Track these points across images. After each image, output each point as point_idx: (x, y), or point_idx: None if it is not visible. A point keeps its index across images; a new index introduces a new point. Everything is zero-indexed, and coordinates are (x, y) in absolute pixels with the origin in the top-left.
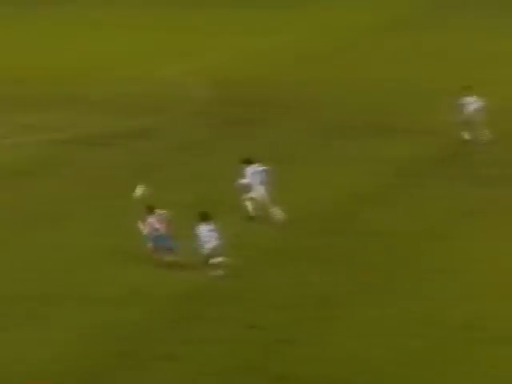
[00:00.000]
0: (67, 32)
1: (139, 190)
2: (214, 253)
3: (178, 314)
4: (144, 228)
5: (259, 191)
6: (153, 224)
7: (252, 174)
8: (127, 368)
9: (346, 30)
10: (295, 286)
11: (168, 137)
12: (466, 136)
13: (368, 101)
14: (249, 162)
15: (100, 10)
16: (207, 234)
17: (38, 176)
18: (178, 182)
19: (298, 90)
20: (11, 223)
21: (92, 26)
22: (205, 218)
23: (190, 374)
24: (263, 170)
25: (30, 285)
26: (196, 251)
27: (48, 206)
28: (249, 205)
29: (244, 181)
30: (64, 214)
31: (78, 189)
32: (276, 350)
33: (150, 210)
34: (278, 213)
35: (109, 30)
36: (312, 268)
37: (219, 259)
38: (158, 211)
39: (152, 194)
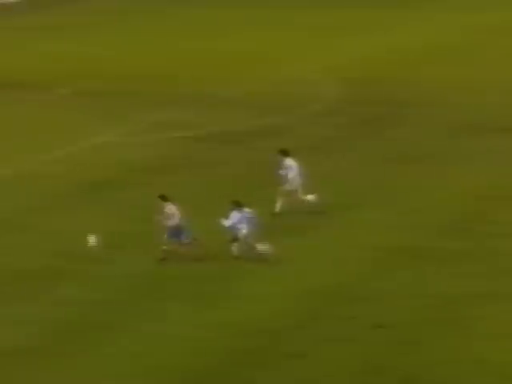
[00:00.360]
0: (196, 31)
1: (92, 239)
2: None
3: (306, 312)
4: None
5: (294, 182)
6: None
7: (289, 166)
8: (254, 365)
9: (468, 30)
10: (422, 287)
11: (297, 135)
12: None
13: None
14: (286, 153)
15: (228, 9)
16: (238, 221)
17: (168, 173)
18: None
19: (425, 89)
20: (139, 220)
21: (220, 25)
22: (237, 205)
23: (317, 374)
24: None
25: None
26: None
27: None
28: (280, 201)
29: (282, 172)
30: (194, 211)
31: (210, 186)
32: (402, 350)
33: (165, 199)
34: (311, 197)
35: (238, 28)
36: (440, 268)
37: (259, 246)
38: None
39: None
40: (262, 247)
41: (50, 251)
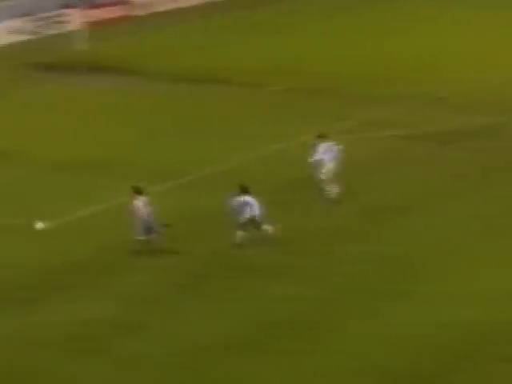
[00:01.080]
0: (407, 29)
1: (39, 225)
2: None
3: None
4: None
5: (328, 167)
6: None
7: (325, 151)
8: (464, 370)
9: None
10: None
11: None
12: None
13: None
14: (323, 137)
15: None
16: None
17: (382, 170)
18: None
19: None
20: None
21: (435, 23)
22: (244, 190)
23: None
24: (335, 147)
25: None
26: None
27: (395, 201)
28: (330, 189)
29: (316, 157)
30: (410, 208)
31: (425, 185)
32: None
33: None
34: (334, 190)
35: (459, 28)
36: None
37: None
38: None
39: None
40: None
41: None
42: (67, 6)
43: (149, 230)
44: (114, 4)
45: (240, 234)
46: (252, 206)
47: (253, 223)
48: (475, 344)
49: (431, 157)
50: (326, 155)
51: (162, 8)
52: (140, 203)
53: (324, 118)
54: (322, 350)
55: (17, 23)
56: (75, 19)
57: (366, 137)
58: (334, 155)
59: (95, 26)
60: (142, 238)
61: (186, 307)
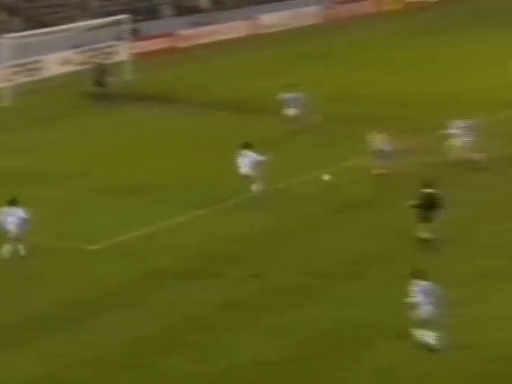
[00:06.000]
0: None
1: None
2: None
3: None
4: None
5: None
6: None
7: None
8: None
9: None
10: None
11: None
12: None
13: None
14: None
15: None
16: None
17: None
18: None
19: None
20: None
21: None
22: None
23: None
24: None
25: None
26: None
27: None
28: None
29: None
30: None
31: (465, 212)
32: None
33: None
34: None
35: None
36: None
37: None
38: None
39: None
40: None
41: (302, 269)
42: (117, 39)
43: None
44: (161, 36)
45: None
46: None
47: None
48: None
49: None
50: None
51: (204, 40)
52: None
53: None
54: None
55: (69, 54)
56: (124, 51)
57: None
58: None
59: (143, 57)
60: None
61: (228, 325)
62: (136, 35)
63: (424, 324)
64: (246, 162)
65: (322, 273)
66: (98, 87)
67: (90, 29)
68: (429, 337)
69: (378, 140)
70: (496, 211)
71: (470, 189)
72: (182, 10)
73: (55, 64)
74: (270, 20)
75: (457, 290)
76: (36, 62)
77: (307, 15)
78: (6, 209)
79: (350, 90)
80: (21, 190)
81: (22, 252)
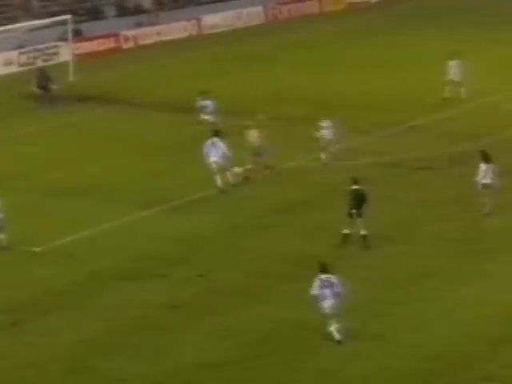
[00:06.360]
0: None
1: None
2: None
3: (496, 335)
4: None
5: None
6: None
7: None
8: None
9: None
10: None
11: None
12: None
13: None
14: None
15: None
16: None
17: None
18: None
19: None
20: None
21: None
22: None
23: None
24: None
25: None
26: None
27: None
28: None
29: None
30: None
31: (407, 211)
32: None
33: None
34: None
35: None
36: None
37: None
38: None
39: None
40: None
41: (246, 269)
42: (60, 39)
43: None
44: (104, 37)
45: None
46: None
47: None
48: (444, 362)
49: (406, 183)
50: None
51: (148, 40)
52: None
53: (306, 145)
54: (297, 368)
55: (12, 55)
56: (67, 51)
57: (345, 164)
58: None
59: (86, 57)
60: None
61: (173, 326)
62: (79, 36)
63: (329, 316)
64: (214, 152)
65: (266, 273)
66: (40, 90)
67: (33, 29)
68: (334, 329)
69: (253, 135)
70: (437, 211)
71: (412, 188)
72: (125, 11)
73: None
74: (213, 20)
75: (398, 289)
76: None
77: (250, 15)
78: None
79: (292, 90)
80: None
81: None
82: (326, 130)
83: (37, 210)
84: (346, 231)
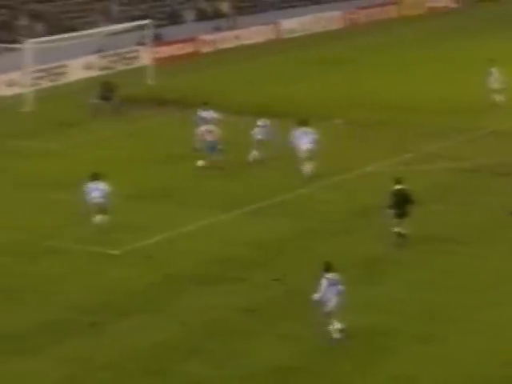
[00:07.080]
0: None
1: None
2: None
3: None
4: None
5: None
6: None
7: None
8: None
9: None
10: None
11: None
12: None
13: None
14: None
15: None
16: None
17: (432, 202)
18: None
19: None
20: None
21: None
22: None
23: None
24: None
25: None
26: None
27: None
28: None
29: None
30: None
31: (487, 216)
32: None
33: None
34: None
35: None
36: None
37: None
38: None
39: None
40: None
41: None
42: (139, 44)
43: None
44: (183, 41)
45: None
46: None
47: None
48: None
49: (485, 189)
50: (303, 139)
51: (226, 45)
52: None
53: (384, 150)
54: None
55: (92, 59)
56: (146, 56)
57: (423, 169)
58: (311, 139)
59: (165, 61)
60: None
61: (248, 331)
62: (158, 40)
63: (331, 316)
64: (306, 139)
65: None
66: (101, 101)
67: (113, 34)
68: (334, 329)
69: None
70: None
71: (493, 194)
72: (204, 15)
73: (78, 69)
74: (291, 25)
75: (474, 294)
76: (59, 66)
77: (329, 20)
78: None
79: (369, 94)
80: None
81: None
82: (260, 129)
83: (115, 213)
84: (397, 229)
